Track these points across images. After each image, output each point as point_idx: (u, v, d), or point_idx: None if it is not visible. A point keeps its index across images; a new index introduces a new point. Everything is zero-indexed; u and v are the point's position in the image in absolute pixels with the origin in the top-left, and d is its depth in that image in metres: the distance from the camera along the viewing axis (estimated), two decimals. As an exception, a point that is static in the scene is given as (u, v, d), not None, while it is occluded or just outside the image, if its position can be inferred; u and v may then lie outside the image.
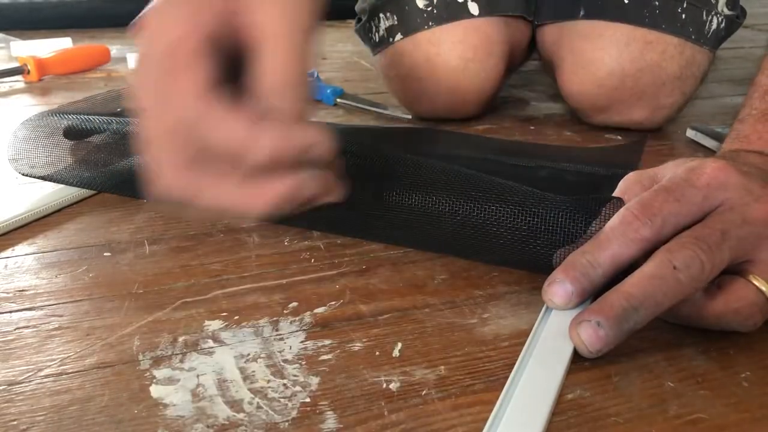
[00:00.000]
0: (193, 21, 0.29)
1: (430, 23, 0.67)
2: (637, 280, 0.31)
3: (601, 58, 0.64)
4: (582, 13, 0.66)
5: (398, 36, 0.68)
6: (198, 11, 0.29)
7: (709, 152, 0.64)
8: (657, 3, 0.62)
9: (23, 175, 0.53)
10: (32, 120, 0.54)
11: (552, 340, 0.33)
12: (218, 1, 0.29)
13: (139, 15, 0.30)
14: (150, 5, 0.30)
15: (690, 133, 0.68)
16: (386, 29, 0.69)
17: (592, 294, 0.34)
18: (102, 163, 0.51)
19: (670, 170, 0.36)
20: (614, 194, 0.37)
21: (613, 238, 0.33)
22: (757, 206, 0.32)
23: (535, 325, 0.34)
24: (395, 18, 0.68)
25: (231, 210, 0.30)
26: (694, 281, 0.31)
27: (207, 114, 0.27)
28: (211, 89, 0.28)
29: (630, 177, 0.38)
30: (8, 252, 0.44)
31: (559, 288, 0.34)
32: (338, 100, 0.79)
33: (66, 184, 0.51)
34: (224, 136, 0.27)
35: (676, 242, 0.32)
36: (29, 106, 0.82)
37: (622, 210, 0.34)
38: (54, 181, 0.52)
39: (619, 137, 0.68)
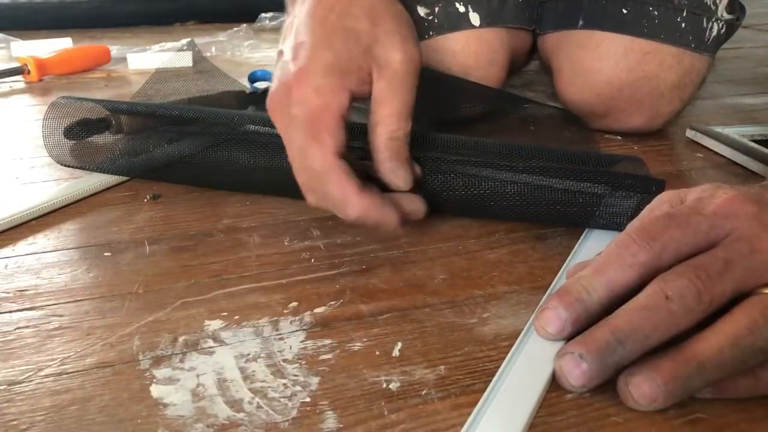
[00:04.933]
0: (338, 93, 0.38)
1: (431, 32, 0.67)
2: (625, 312, 0.29)
3: (599, 68, 0.64)
4: (581, 23, 0.65)
5: None
6: (342, 83, 0.38)
7: (709, 152, 0.64)
8: (656, 13, 0.62)
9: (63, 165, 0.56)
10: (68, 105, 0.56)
11: (541, 341, 0.33)
12: (357, 70, 0.39)
13: (299, 42, 0.40)
14: (310, 42, 0.39)
15: (690, 134, 0.68)
16: None
17: (588, 323, 0.31)
18: (139, 150, 0.54)
19: (696, 193, 0.34)
20: (642, 213, 0.36)
21: (610, 263, 0.31)
22: (766, 235, 0.30)
23: (527, 325, 0.34)
24: None
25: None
26: (689, 313, 0.28)
27: (328, 173, 0.38)
28: (337, 153, 0.38)
29: (661, 196, 0.36)
30: (8, 252, 0.44)
31: (552, 315, 0.32)
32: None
33: (104, 172, 0.54)
34: (333, 191, 0.38)
35: (673, 271, 0.30)
36: (29, 106, 0.82)
37: (621, 234, 0.32)
38: (93, 170, 0.54)
39: (619, 137, 0.68)
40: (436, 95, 0.63)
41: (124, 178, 0.54)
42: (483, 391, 0.30)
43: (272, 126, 0.52)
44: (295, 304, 0.38)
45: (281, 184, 0.50)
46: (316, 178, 0.38)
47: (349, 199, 0.38)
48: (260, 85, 0.82)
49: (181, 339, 0.34)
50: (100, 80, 0.97)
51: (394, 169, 0.41)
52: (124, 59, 1.06)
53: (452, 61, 0.66)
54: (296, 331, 0.35)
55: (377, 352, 0.34)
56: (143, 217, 0.49)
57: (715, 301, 0.29)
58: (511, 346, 0.33)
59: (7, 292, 0.39)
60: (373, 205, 0.38)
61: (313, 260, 0.42)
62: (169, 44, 1.17)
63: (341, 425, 0.29)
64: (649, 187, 0.44)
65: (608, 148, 0.65)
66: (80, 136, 0.56)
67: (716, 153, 0.64)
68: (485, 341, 0.34)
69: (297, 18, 0.41)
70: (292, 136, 0.39)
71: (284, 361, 0.33)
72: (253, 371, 0.32)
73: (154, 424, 0.29)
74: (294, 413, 0.29)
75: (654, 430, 0.29)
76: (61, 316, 0.37)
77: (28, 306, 0.38)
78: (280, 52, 0.41)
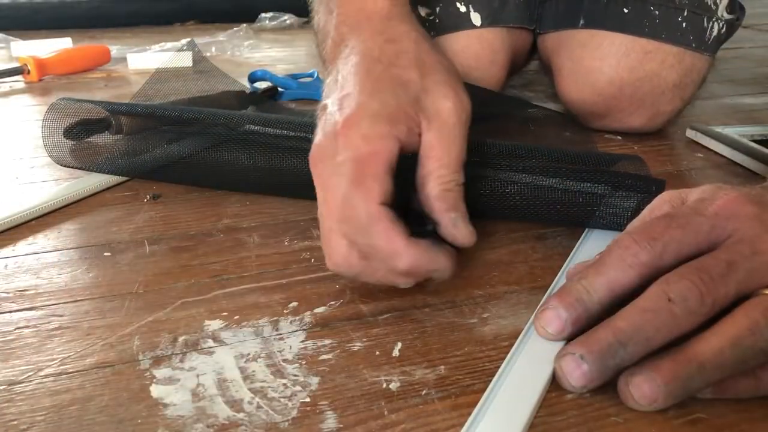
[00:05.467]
0: (387, 141, 0.35)
1: (432, 33, 0.67)
2: (627, 314, 0.29)
3: (599, 67, 0.64)
4: (582, 22, 0.66)
5: None
6: (391, 131, 0.35)
7: (709, 152, 0.64)
8: (657, 12, 0.62)
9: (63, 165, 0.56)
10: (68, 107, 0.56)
11: (541, 341, 0.33)
12: (406, 119, 0.36)
13: (345, 94, 0.37)
14: (357, 92, 0.37)
15: (690, 133, 0.68)
16: None
17: (588, 323, 0.31)
18: (139, 150, 0.54)
19: (697, 194, 0.34)
20: (643, 213, 0.36)
21: (610, 263, 0.31)
22: None
23: (527, 325, 0.34)
24: None
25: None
26: (691, 315, 0.28)
27: (374, 222, 0.34)
28: (383, 202, 0.34)
29: (662, 196, 0.36)
30: (8, 252, 0.44)
31: (552, 315, 0.32)
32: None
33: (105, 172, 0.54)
34: (379, 242, 0.34)
35: (675, 273, 0.30)
36: (29, 106, 0.82)
37: (621, 234, 0.32)
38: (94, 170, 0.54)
39: (619, 137, 0.68)
40: None
41: (124, 178, 0.54)
42: (483, 391, 0.30)
43: (272, 126, 0.52)
44: (295, 304, 0.38)
45: (281, 184, 0.50)
46: (361, 229, 0.34)
47: (397, 250, 0.34)
48: (260, 85, 0.82)
49: (181, 339, 0.34)
50: (100, 80, 0.97)
51: (455, 221, 0.36)
52: (124, 59, 1.06)
53: (453, 61, 0.66)
54: (296, 331, 0.35)
55: (377, 352, 0.34)
56: (143, 217, 0.49)
57: (718, 303, 0.29)
58: (511, 346, 0.33)
59: (7, 292, 0.39)
60: (424, 252, 0.34)
61: (313, 260, 0.42)
62: (169, 44, 1.17)
63: (341, 425, 0.29)
64: (649, 187, 0.44)
65: (608, 148, 0.65)
66: (80, 136, 0.56)
67: (716, 153, 0.64)
68: (485, 341, 0.34)
69: (341, 72, 0.40)
70: (335, 186, 0.35)
71: (284, 361, 0.33)
72: (253, 371, 0.32)
73: (154, 424, 0.29)
74: (294, 413, 0.29)
75: (654, 430, 0.29)
76: (61, 316, 0.37)
77: (28, 306, 0.38)
78: (324, 107, 0.39)
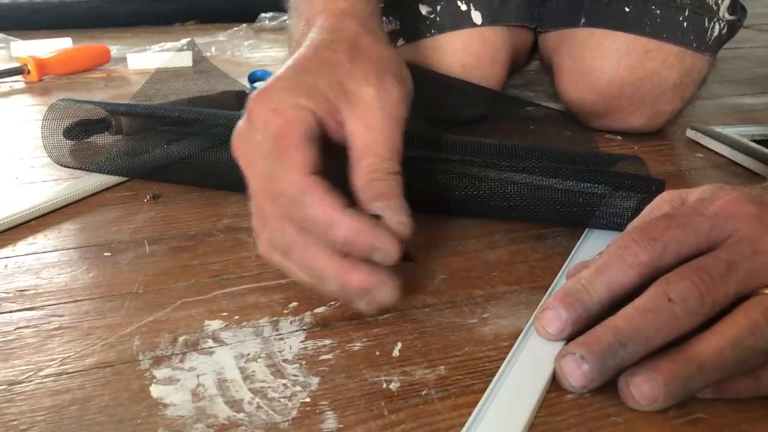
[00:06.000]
0: (299, 111, 0.34)
1: (433, 31, 0.67)
2: (627, 314, 0.29)
3: (600, 66, 0.64)
4: (583, 21, 0.66)
5: (400, 41, 0.68)
6: (305, 104, 0.34)
7: (709, 152, 0.64)
8: (658, 12, 0.62)
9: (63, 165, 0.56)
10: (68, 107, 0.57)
11: (542, 341, 0.33)
12: (324, 98, 0.34)
13: (261, 86, 0.36)
14: (271, 78, 0.36)
15: (690, 133, 0.68)
16: (388, 33, 0.69)
17: (588, 323, 0.31)
18: (139, 150, 0.54)
19: (697, 194, 0.34)
20: (643, 213, 0.36)
21: (610, 263, 0.31)
22: None
23: (527, 325, 0.34)
24: (397, 23, 0.68)
25: (316, 280, 0.34)
26: (691, 315, 0.28)
27: (304, 193, 0.32)
28: (312, 171, 0.32)
29: (662, 196, 0.36)
30: (8, 252, 0.44)
31: (552, 315, 0.32)
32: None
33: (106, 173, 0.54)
34: (314, 212, 0.32)
35: (676, 272, 0.30)
36: (29, 106, 0.82)
37: (621, 234, 0.32)
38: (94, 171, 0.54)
39: (619, 137, 0.68)
40: (436, 96, 0.64)
41: (124, 178, 0.54)
42: (483, 391, 0.30)
43: None
44: (295, 304, 0.38)
45: None
46: (292, 202, 0.32)
47: (332, 218, 0.31)
48: (260, 85, 0.82)
49: (181, 339, 0.34)
50: (100, 80, 0.97)
51: (382, 210, 0.33)
52: (124, 59, 1.06)
53: (454, 60, 0.66)
54: (296, 331, 0.35)
55: (377, 352, 0.34)
56: (143, 217, 0.49)
57: (718, 303, 0.29)
58: (511, 346, 0.33)
59: (7, 292, 0.39)
60: (366, 224, 0.32)
61: (313, 260, 0.42)
62: (169, 44, 1.17)
63: (341, 425, 0.29)
64: (649, 187, 0.44)
65: (608, 148, 0.65)
66: (80, 136, 0.56)
67: (716, 153, 0.64)
68: (485, 341, 0.34)
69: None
70: (256, 163, 0.34)
71: (284, 361, 0.33)
72: (253, 371, 0.32)
73: (154, 424, 0.29)
74: (294, 413, 0.29)
75: (654, 430, 0.29)
76: (61, 316, 0.37)
77: (28, 306, 0.38)
78: None
